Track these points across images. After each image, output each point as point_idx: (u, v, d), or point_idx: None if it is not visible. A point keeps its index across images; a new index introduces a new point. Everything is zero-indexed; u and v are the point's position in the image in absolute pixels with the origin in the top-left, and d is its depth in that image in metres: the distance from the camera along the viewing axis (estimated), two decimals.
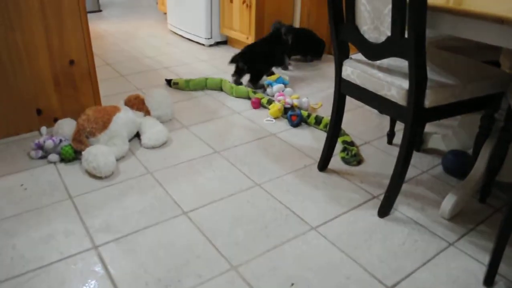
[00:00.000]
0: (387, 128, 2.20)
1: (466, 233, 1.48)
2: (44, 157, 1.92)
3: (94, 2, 4.98)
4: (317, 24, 3.27)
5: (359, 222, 1.51)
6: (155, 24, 4.38)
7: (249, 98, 2.45)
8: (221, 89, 2.60)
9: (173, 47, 3.55)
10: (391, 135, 2.02)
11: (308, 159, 1.90)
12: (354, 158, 1.85)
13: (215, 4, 3.44)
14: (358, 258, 1.35)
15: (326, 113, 2.32)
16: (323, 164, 1.81)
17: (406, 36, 1.27)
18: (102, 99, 2.34)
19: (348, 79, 1.59)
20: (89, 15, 4.63)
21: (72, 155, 1.86)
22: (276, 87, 2.47)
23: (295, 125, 2.15)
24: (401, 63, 1.53)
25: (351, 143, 1.96)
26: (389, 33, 1.32)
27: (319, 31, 3.20)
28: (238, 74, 2.65)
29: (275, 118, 2.23)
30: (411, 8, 1.21)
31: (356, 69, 1.54)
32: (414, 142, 1.43)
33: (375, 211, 1.57)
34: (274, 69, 2.77)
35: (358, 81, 1.54)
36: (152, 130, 1.98)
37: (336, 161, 1.88)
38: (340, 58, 1.62)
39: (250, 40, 3.18)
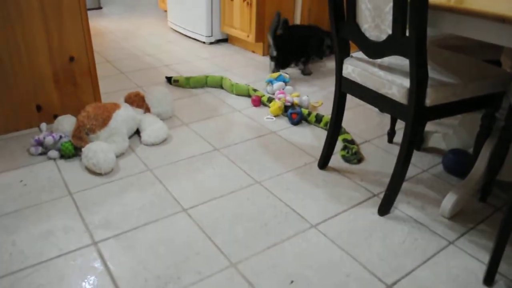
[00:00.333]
0: (387, 126, 2.20)
1: (466, 232, 1.48)
2: (44, 153, 1.92)
3: None
4: (318, 22, 3.27)
5: (359, 220, 1.51)
6: (156, 21, 4.38)
7: (249, 96, 2.45)
8: (221, 87, 2.60)
9: (173, 45, 3.55)
10: (391, 133, 2.02)
11: (309, 157, 1.89)
12: (354, 156, 1.85)
13: (215, 2, 3.43)
14: (358, 256, 1.35)
15: (326, 111, 2.31)
16: (324, 162, 1.80)
17: (407, 34, 1.27)
18: (102, 96, 2.34)
19: (348, 77, 1.59)
20: (89, 12, 4.63)
21: (72, 152, 1.86)
22: (277, 85, 2.46)
23: (296, 123, 2.15)
24: (402, 62, 1.52)
25: (352, 141, 1.96)
26: (390, 32, 1.32)
27: None
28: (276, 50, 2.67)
29: (275, 116, 2.23)
30: (412, 7, 1.20)
31: (356, 67, 1.54)
32: (414, 141, 1.43)
33: (375, 209, 1.57)
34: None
35: (358, 80, 1.54)
36: (152, 127, 1.98)
37: (336, 159, 1.88)
38: (341, 56, 1.62)
39: (251, 38, 3.17)
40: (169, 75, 2.79)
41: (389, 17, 1.30)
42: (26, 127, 2.15)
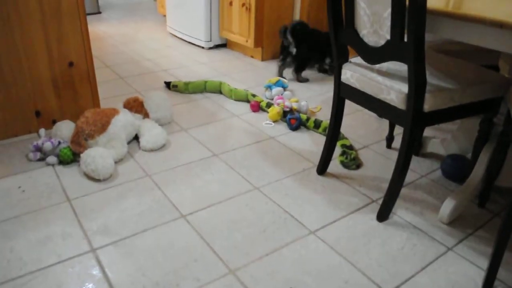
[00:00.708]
0: (386, 132, 2.20)
1: (465, 238, 1.48)
2: (42, 159, 1.91)
3: (94, 4, 4.98)
4: (316, 27, 3.28)
5: (358, 226, 1.51)
6: (155, 26, 4.39)
7: (248, 101, 2.45)
8: (220, 92, 2.60)
9: (172, 50, 3.55)
10: (390, 139, 2.02)
11: (307, 162, 1.90)
12: (353, 162, 1.85)
13: (214, 7, 3.44)
14: (357, 262, 1.35)
15: (325, 116, 2.32)
16: (322, 168, 1.81)
17: (405, 40, 1.27)
18: (101, 101, 2.34)
19: (347, 82, 1.59)
20: (88, 17, 4.64)
21: (70, 158, 1.86)
22: (275, 90, 2.47)
23: (294, 128, 2.15)
24: (401, 67, 1.53)
25: (350, 147, 1.96)
26: (388, 37, 1.33)
27: None
28: (284, 54, 2.69)
29: (274, 122, 2.23)
30: (410, 12, 1.21)
31: (355, 73, 1.54)
32: (413, 146, 1.43)
33: (374, 215, 1.57)
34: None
35: (357, 85, 1.54)
36: (151, 133, 1.98)
37: (335, 165, 1.88)
38: (340, 61, 1.62)
39: (250, 43, 3.18)
40: (168, 80, 2.80)
41: (388, 23, 1.30)
42: (24, 132, 2.15)
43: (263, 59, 3.25)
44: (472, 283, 1.29)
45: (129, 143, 2.00)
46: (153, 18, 4.77)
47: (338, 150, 1.98)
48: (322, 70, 2.99)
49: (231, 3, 3.30)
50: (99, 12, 5.08)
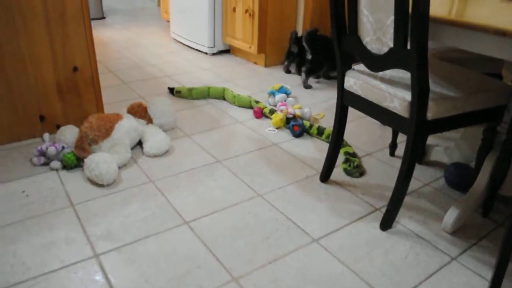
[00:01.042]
0: (389, 139, 2.20)
1: (468, 247, 1.47)
2: (46, 163, 1.92)
3: (98, 9, 5.00)
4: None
5: (361, 235, 1.51)
6: (158, 32, 4.40)
7: (251, 108, 2.46)
8: (223, 98, 2.61)
9: (176, 56, 3.57)
10: (393, 146, 2.02)
11: (310, 169, 1.90)
12: (356, 169, 1.85)
13: (218, 13, 3.46)
14: (360, 271, 1.35)
15: (328, 123, 2.32)
16: (325, 175, 1.81)
17: (408, 47, 1.28)
18: (105, 106, 2.35)
19: (350, 90, 1.60)
20: (92, 22, 4.66)
21: (74, 162, 1.86)
22: (279, 96, 2.47)
23: (297, 135, 2.15)
24: (404, 75, 1.53)
25: (353, 154, 1.96)
26: (391, 45, 1.33)
27: None
28: (288, 58, 2.78)
29: (277, 128, 2.24)
30: (413, 20, 1.21)
31: (358, 80, 1.55)
32: (416, 154, 1.43)
33: (377, 224, 1.56)
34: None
35: (360, 92, 1.55)
36: (155, 139, 1.98)
37: (338, 172, 1.88)
38: (343, 69, 1.63)
39: (253, 49, 3.19)
40: (171, 86, 2.80)
41: (391, 30, 1.31)
42: (29, 137, 2.16)
43: (266, 65, 3.26)
44: None
45: (132, 148, 2.01)
46: (157, 23, 4.79)
47: (341, 157, 1.98)
48: (326, 77, 3.00)
49: (234, 9, 3.31)
50: (103, 17, 5.10)
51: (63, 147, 1.91)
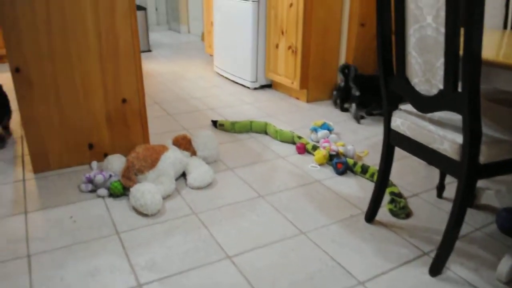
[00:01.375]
0: (436, 179, 2.14)
1: None
2: (93, 191, 1.97)
3: (145, 42, 5.22)
4: (361, 70, 3.29)
5: (408, 280, 1.45)
6: (202, 65, 4.53)
7: (293, 143, 2.46)
8: (265, 133, 2.62)
9: (219, 89, 3.65)
10: (441, 188, 1.96)
11: (354, 209, 1.86)
12: (402, 210, 1.80)
13: (261, 49, 3.54)
14: None
15: (372, 161, 2.28)
16: (370, 216, 1.77)
17: (459, 89, 1.25)
18: (150, 137, 2.41)
19: (397, 130, 1.58)
20: None
21: (120, 191, 1.90)
22: (321, 133, 2.47)
23: (341, 173, 2.13)
24: (453, 116, 1.50)
25: (399, 195, 1.91)
26: (441, 86, 1.31)
27: None
28: (339, 92, 2.94)
29: (320, 165, 2.22)
30: (465, 62, 1.19)
31: (406, 121, 1.53)
32: (468, 198, 1.38)
33: (426, 269, 1.50)
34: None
35: (408, 133, 1.52)
36: (198, 171, 2.01)
37: (383, 213, 1.84)
38: (390, 109, 1.61)
39: (296, 85, 3.22)
40: (214, 119, 2.86)
41: (440, 72, 1.29)
42: (77, 164, 2.23)
43: (308, 101, 3.28)
44: None
45: (176, 179, 2.04)
46: (201, 57, 4.93)
47: (386, 197, 1.94)
48: (369, 114, 2.99)
49: (277, 46, 3.38)
50: (150, 50, 5.31)
51: (110, 176, 1.97)
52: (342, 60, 3.28)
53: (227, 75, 3.93)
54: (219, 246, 1.59)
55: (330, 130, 2.54)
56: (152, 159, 1.93)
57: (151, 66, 4.50)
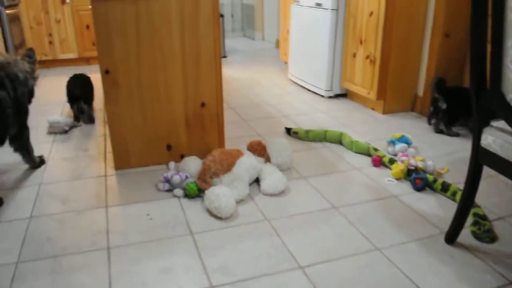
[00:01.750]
0: None
1: None
2: (170, 190, 2.04)
3: (221, 48, 5.36)
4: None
5: None
6: (276, 72, 4.56)
7: (369, 155, 2.39)
8: (340, 143, 2.58)
9: (293, 96, 3.65)
10: None
11: (433, 228, 1.76)
12: (487, 234, 1.68)
13: (337, 57, 3.49)
14: None
15: (453, 179, 2.16)
16: (451, 237, 1.66)
17: None
18: (225, 141, 2.45)
19: (488, 148, 1.47)
20: None
21: (196, 192, 1.95)
22: (399, 146, 2.38)
23: (419, 189, 2.03)
24: None
25: (484, 217, 1.79)
26: None
27: None
28: (433, 107, 2.78)
29: (397, 179, 2.14)
30: None
31: (498, 139, 1.42)
32: None
33: None
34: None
35: (500, 152, 1.42)
36: (272, 178, 2.01)
37: (465, 234, 1.72)
38: (480, 125, 1.51)
39: (372, 95, 3.14)
40: (288, 126, 2.85)
41: None
42: (155, 163, 2.33)
43: (384, 112, 3.18)
44: None
45: (250, 185, 2.05)
46: (275, 64, 4.97)
47: (469, 218, 1.82)
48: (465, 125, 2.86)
49: (354, 55, 3.31)
50: (225, 56, 5.44)
51: (186, 177, 2.03)
52: (423, 72, 3.14)
53: (302, 83, 3.92)
54: (290, 254, 1.58)
55: (408, 143, 2.44)
56: (228, 163, 1.96)
57: (226, 71, 4.60)
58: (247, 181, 1.98)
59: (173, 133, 2.31)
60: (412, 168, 2.12)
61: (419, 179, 2.03)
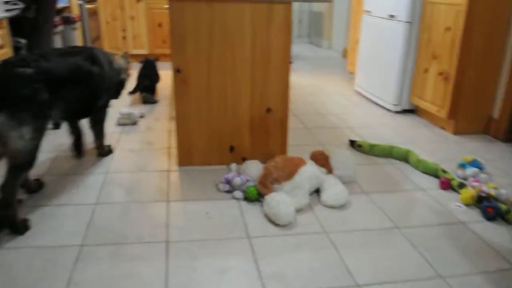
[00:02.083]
0: None
1: None
2: (229, 191, 2.06)
3: None
4: None
5: None
6: (342, 82, 4.49)
7: (437, 176, 2.28)
8: (406, 160, 2.48)
9: (358, 108, 3.57)
10: None
11: (504, 262, 1.65)
12: None
13: (407, 72, 3.37)
14: None
15: None
16: None
17: None
18: (288, 148, 2.44)
19: None
20: None
21: (255, 196, 1.96)
22: (470, 170, 2.25)
23: (490, 218, 1.91)
24: None
25: None
26: None
27: None
28: None
29: (465, 205, 2.02)
30: None
31: None
32: None
33: None
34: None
35: None
36: (333, 190, 1.97)
37: None
38: None
39: (443, 114, 3.00)
40: (352, 138, 2.79)
41: None
42: (217, 163, 2.36)
43: (455, 133, 3.02)
44: None
45: (310, 195, 2.02)
46: (341, 74, 4.89)
47: None
48: None
49: (426, 70, 3.19)
50: (291, 62, 5.43)
51: (247, 180, 2.03)
52: (500, 93, 2.96)
53: (368, 95, 3.83)
54: (348, 271, 1.53)
55: (480, 168, 2.30)
56: (290, 171, 1.94)
57: (291, 78, 4.58)
58: (308, 191, 1.95)
59: (237, 135, 2.33)
60: (484, 195, 1.99)
61: (491, 208, 1.91)
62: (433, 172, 2.30)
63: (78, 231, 1.73)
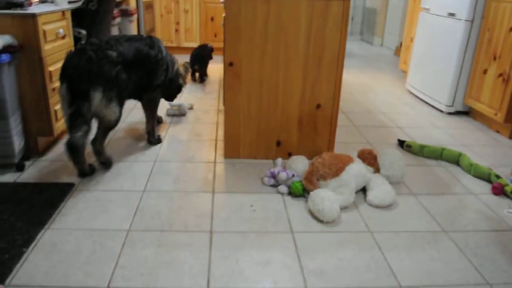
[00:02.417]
0: None
1: None
2: (274, 186, 2.08)
3: None
4: None
5: None
6: (393, 81, 4.39)
7: (489, 181, 2.19)
8: (457, 163, 2.40)
9: (408, 108, 3.48)
10: None
11: None
12: None
13: (464, 72, 3.25)
14: None
15: None
16: None
17: None
18: (335, 145, 2.42)
19: None
20: None
21: (300, 192, 1.97)
22: None
23: None
24: None
25: None
26: None
27: None
28: None
29: None
30: None
31: None
32: None
33: None
34: None
35: None
36: (380, 189, 1.95)
37: None
38: None
39: (500, 117, 2.88)
40: (401, 138, 2.73)
41: None
42: (263, 157, 2.39)
43: (511, 137, 2.89)
44: None
45: (356, 193, 2.00)
46: (392, 72, 4.78)
47: None
48: None
49: (485, 71, 3.06)
50: None
51: (293, 175, 2.04)
52: None
53: (420, 95, 3.72)
54: (391, 272, 1.51)
55: None
56: (337, 168, 1.94)
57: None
58: (354, 189, 1.94)
59: (285, 130, 2.34)
60: None
61: None
62: (485, 176, 2.21)
63: (126, 216, 1.80)
